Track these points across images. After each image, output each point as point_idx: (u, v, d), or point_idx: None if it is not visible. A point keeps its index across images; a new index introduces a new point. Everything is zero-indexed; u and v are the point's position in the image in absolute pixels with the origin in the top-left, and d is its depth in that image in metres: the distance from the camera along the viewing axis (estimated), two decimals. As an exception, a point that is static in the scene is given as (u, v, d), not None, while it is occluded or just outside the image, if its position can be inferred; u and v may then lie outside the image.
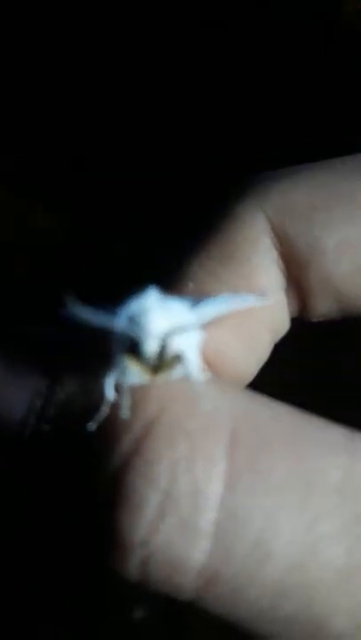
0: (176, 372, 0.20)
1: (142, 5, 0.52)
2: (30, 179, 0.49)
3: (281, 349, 0.25)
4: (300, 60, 0.51)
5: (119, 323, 0.20)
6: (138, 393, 0.20)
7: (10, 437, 0.21)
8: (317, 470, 0.19)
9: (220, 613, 0.19)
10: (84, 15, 0.52)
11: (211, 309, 0.21)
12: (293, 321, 0.24)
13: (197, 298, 0.22)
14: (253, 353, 0.24)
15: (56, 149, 0.49)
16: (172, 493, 0.19)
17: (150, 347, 0.19)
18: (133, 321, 0.19)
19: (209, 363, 0.23)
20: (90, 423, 0.20)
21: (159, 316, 0.19)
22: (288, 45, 0.51)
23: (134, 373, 0.20)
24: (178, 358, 0.20)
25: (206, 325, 0.20)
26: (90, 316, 0.19)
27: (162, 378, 0.20)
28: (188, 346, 0.20)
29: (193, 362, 0.20)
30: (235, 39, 0.51)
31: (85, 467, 0.20)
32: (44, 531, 0.23)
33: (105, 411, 0.20)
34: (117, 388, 0.20)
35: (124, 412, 0.19)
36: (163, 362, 0.20)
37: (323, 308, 0.24)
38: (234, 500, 0.19)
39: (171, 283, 0.23)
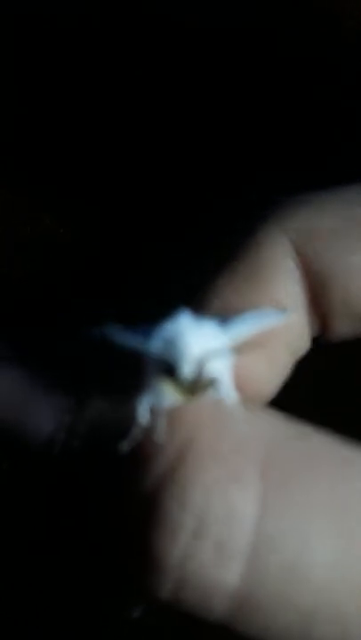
0: (210, 395, 0.20)
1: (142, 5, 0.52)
2: (33, 179, 0.48)
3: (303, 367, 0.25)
4: (324, 82, 0.51)
5: (154, 345, 0.20)
6: (171, 416, 0.20)
7: (37, 454, 0.21)
8: (351, 493, 0.19)
9: (250, 635, 0.19)
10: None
11: (240, 330, 0.21)
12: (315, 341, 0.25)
13: (224, 317, 0.22)
14: (275, 374, 0.24)
15: (62, 150, 0.49)
16: (207, 518, 0.19)
17: (187, 370, 0.19)
18: (169, 344, 0.20)
19: (235, 384, 0.23)
20: (122, 444, 0.20)
21: (194, 340, 0.20)
22: (308, 64, 0.51)
23: (169, 396, 0.20)
24: (212, 381, 0.20)
25: (237, 349, 0.21)
26: (124, 337, 0.19)
27: (195, 400, 0.20)
28: (222, 368, 0.20)
29: (227, 384, 0.20)
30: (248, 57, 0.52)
31: (117, 488, 0.20)
32: (68, 548, 0.24)
33: (138, 434, 0.20)
34: (150, 412, 0.20)
35: (160, 435, 0.20)
36: (198, 385, 0.20)
37: (343, 328, 0.24)
38: (268, 523, 0.19)
39: (196, 299, 0.23)
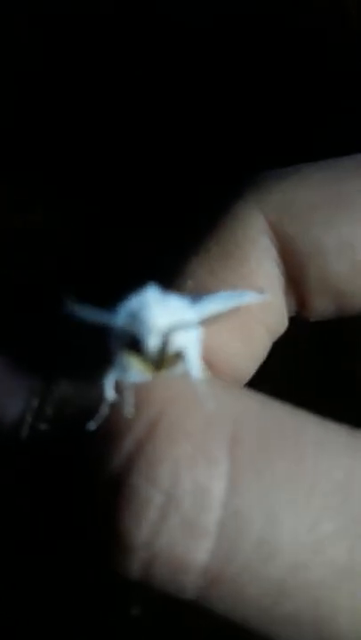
0: (177, 370, 0.20)
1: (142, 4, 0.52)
2: (29, 174, 0.48)
3: (281, 348, 0.24)
4: (301, 58, 0.51)
5: (119, 319, 0.19)
6: (139, 393, 0.19)
7: (5, 437, 0.21)
8: (319, 470, 0.19)
9: (222, 612, 0.19)
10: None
11: (210, 306, 0.21)
12: (292, 320, 0.24)
13: (196, 295, 0.21)
14: (251, 351, 0.24)
15: (56, 147, 0.49)
16: (175, 494, 0.19)
17: (152, 342, 0.19)
18: (134, 317, 0.19)
19: (207, 361, 0.23)
20: (90, 422, 0.20)
21: (160, 312, 0.19)
22: (288, 44, 0.51)
23: (135, 371, 0.19)
24: (179, 355, 0.19)
25: (206, 322, 0.20)
26: (89, 314, 0.19)
27: (163, 375, 0.20)
28: (189, 343, 0.20)
29: (194, 359, 0.20)
30: (231, 40, 0.52)
31: (85, 467, 0.20)
32: (43, 531, 0.23)
33: (105, 410, 0.20)
34: (117, 388, 0.20)
35: (128, 411, 0.19)
36: (164, 358, 0.19)
37: (321, 307, 0.24)
38: (236, 499, 0.18)
39: (170, 280, 0.23)
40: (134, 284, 0.20)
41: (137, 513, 0.19)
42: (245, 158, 0.44)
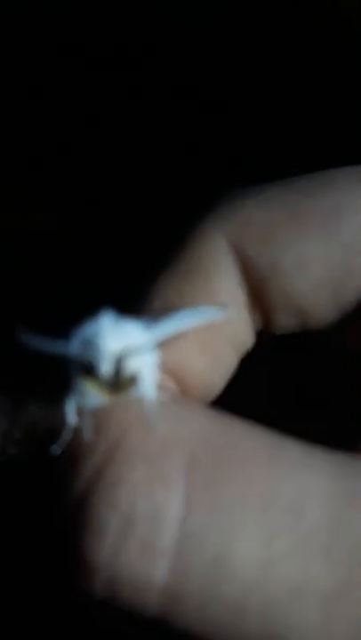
0: (134, 393, 0.20)
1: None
2: (27, 175, 0.49)
3: (250, 361, 0.25)
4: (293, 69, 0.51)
5: (73, 347, 0.20)
6: (99, 417, 0.20)
7: None
8: (272, 489, 0.19)
9: (185, 628, 0.19)
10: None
11: (168, 327, 0.21)
12: (260, 335, 0.24)
13: (156, 317, 0.22)
14: (218, 367, 0.24)
15: (52, 147, 0.50)
16: (133, 517, 0.19)
17: (105, 367, 0.19)
18: (87, 343, 0.20)
19: (175, 378, 0.23)
20: (53, 447, 0.20)
21: (112, 337, 0.20)
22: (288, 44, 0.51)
23: (93, 395, 0.20)
24: (134, 379, 0.20)
25: (164, 343, 0.21)
26: (43, 343, 0.20)
27: (121, 398, 0.20)
28: (145, 366, 0.20)
29: (149, 382, 0.20)
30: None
31: (50, 489, 0.20)
32: (12, 553, 0.24)
33: (67, 434, 0.20)
34: (79, 412, 0.20)
35: (87, 434, 0.20)
36: (119, 382, 0.20)
37: (284, 322, 0.24)
38: (191, 520, 0.19)
39: (136, 301, 0.23)
40: (92, 307, 0.21)
41: (97, 535, 0.19)
42: (219, 177, 0.45)
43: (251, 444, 0.20)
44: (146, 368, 0.20)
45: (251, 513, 0.19)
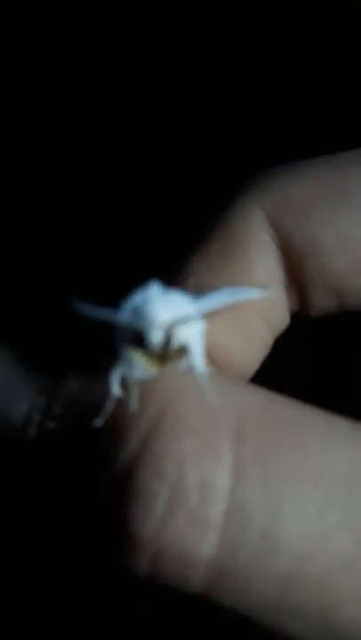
0: (181, 364, 0.20)
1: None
2: (29, 174, 0.49)
3: (284, 345, 0.25)
4: (300, 54, 0.51)
5: (123, 315, 0.19)
6: (144, 388, 0.20)
7: (13, 437, 0.21)
8: (323, 461, 0.19)
9: (229, 605, 0.19)
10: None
11: (212, 301, 0.21)
12: (294, 316, 0.24)
13: (198, 292, 0.22)
14: (253, 347, 0.24)
15: (56, 142, 0.49)
16: (181, 488, 0.19)
17: (155, 337, 0.19)
18: (137, 313, 0.19)
19: (210, 357, 0.23)
20: (96, 419, 0.20)
21: (162, 307, 0.19)
22: (287, 40, 0.51)
23: (140, 366, 0.20)
24: (183, 349, 0.20)
25: (208, 317, 0.20)
26: (94, 311, 0.19)
27: (167, 370, 0.20)
28: (192, 337, 0.20)
29: (197, 353, 0.20)
30: (231, 36, 0.52)
31: (93, 463, 0.20)
32: (50, 531, 0.23)
33: (111, 406, 0.20)
34: (123, 383, 0.20)
35: (133, 405, 0.19)
36: (168, 353, 0.19)
37: (322, 302, 0.24)
38: (241, 492, 0.19)
39: (172, 278, 0.23)
40: (138, 281, 0.21)
41: (144, 507, 0.19)
42: (245, 157, 0.45)
43: (299, 418, 0.20)
44: (194, 339, 0.20)
45: (301, 486, 0.19)
